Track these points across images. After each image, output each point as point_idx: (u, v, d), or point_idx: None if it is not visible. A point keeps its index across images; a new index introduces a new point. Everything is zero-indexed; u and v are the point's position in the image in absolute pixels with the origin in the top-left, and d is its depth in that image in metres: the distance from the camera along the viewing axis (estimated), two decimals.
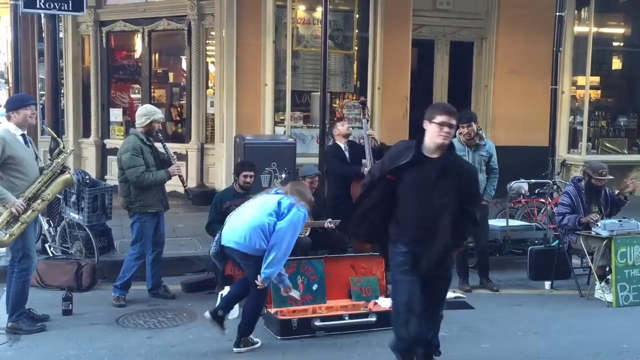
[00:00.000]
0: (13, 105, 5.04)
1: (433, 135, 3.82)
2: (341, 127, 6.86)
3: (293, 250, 6.17)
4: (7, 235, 4.86)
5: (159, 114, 5.88)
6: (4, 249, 5.94)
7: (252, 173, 6.20)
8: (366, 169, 6.56)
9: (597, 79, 11.32)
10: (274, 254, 4.55)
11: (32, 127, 5.35)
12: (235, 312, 5.46)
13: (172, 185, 6.15)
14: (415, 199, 3.81)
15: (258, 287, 4.65)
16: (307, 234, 6.33)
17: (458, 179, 3.86)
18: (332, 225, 6.25)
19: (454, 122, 3.86)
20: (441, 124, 3.79)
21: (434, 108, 3.90)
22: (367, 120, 6.82)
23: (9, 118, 5.01)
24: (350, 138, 7.03)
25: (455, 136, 6.45)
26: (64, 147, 5.34)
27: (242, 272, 6.12)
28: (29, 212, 4.89)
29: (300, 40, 9.52)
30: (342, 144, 6.81)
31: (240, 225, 4.68)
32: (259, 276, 4.60)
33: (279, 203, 4.67)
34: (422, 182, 3.79)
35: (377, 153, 6.72)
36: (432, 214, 3.78)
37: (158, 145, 5.90)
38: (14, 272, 5.02)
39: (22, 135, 5.01)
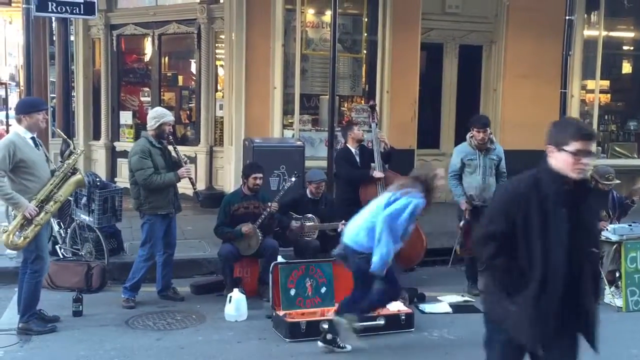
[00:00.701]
0: (26, 109, 5.06)
1: (565, 167, 2.82)
2: (357, 132, 6.83)
3: (302, 253, 6.25)
4: (22, 238, 4.91)
5: (169, 117, 5.92)
6: (15, 251, 5.98)
7: (261, 175, 6.23)
8: (375, 172, 6.58)
9: (606, 82, 11.28)
10: (375, 245, 4.63)
11: (42, 130, 5.36)
12: (244, 314, 5.49)
13: (181, 187, 6.19)
14: (558, 247, 2.85)
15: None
16: (315, 236, 6.34)
17: (589, 216, 3.01)
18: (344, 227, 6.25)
19: (592, 148, 2.86)
20: (576, 153, 2.80)
21: (564, 129, 2.87)
22: (377, 124, 6.82)
23: (19, 121, 5.04)
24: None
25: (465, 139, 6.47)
26: (74, 148, 5.38)
27: (252, 275, 6.20)
28: (42, 214, 4.94)
29: (309, 43, 9.55)
30: (353, 148, 6.81)
31: (356, 224, 4.86)
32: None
33: (387, 203, 4.71)
34: (561, 225, 2.86)
35: (386, 156, 6.73)
36: (574, 264, 2.90)
37: (170, 148, 5.94)
38: (27, 273, 5.06)
39: (32, 138, 5.05)
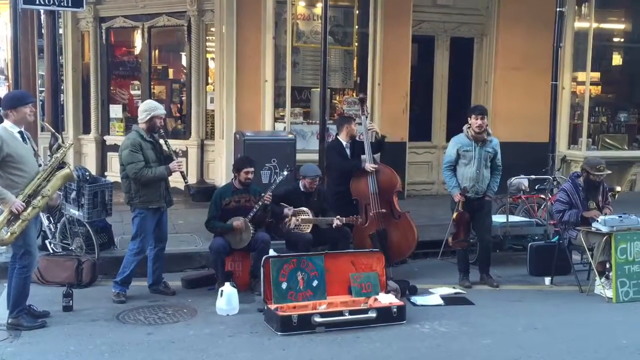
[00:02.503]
0: (12, 104, 4.98)
1: None
2: (353, 127, 6.81)
3: (294, 247, 6.24)
4: (9, 234, 4.84)
5: (160, 110, 5.87)
6: (2, 246, 5.93)
7: (252, 169, 6.20)
8: (366, 164, 6.57)
9: (597, 74, 11.31)
10: None
11: (31, 123, 5.30)
12: (235, 308, 5.48)
13: (173, 181, 6.16)
14: None
15: None
16: (309, 230, 6.33)
17: None
18: (340, 222, 6.24)
19: None
20: None
21: None
22: (367, 117, 6.81)
23: (6, 116, 4.95)
24: None
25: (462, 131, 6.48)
26: (63, 142, 5.31)
27: (244, 269, 6.18)
28: (30, 209, 4.88)
29: (300, 36, 9.51)
30: (344, 141, 6.81)
31: None
32: None
33: None
34: None
35: (377, 147, 6.71)
36: None
37: (161, 141, 5.91)
38: (15, 269, 5.02)
39: (20, 132, 4.98)
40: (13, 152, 4.84)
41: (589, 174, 6.38)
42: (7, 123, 4.94)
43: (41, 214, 6.34)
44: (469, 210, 6.30)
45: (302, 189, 6.48)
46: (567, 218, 6.38)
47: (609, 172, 6.51)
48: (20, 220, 4.84)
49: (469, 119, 6.39)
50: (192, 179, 9.52)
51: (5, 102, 5.09)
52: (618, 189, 6.69)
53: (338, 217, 6.24)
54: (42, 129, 9.23)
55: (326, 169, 7.00)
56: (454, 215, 6.29)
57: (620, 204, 6.90)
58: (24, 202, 4.85)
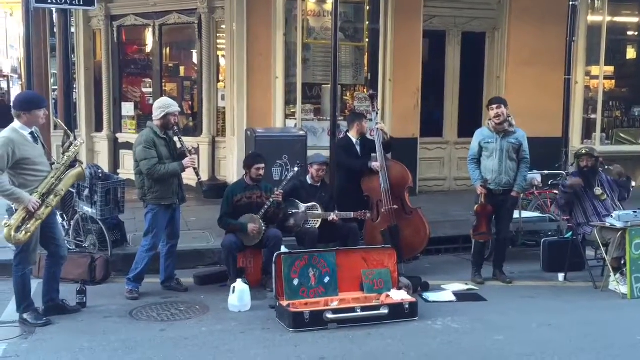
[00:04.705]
0: (26, 107, 4.95)
1: None
2: (364, 124, 6.80)
3: (301, 242, 6.25)
4: (23, 232, 4.87)
5: (174, 107, 5.90)
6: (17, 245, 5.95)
7: (263, 165, 6.22)
8: (375, 163, 6.55)
9: (611, 68, 11.21)
10: None
11: (41, 125, 5.26)
12: (247, 305, 5.49)
13: (185, 178, 6.18)
14: None
15: None
16: (317, 225, 6.33)
17: None
18: (336, 218, 6.25)
19: None
20: None
21: None
22: (377, 114, 6.78)
23: (18, 117, 4.93)
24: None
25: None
26: (74, 139, 5.33)
27: (255, 266, 6.20)
28: (43, 207, 4.90)
29: (310, 32, 9.49)
30: (354, 138, 6.79)
31: None
32: None
33: None
34: None
35: (386, 147, 6.69)
36: None
37: (175, 138, 5.93)
38: (13, 266, 5.10)
39: (31, 132, 4.98)
40: (25, 155, 4.85)
41: (578, 163, 6.54)
42: (17, 124, 4.93)
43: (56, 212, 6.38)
44: (493, 205, 6.26)
45: (309, 182, 6.48)
46: (560, 202, 6.52)
47: (595, 154, 6.50)
48: (34, 219, 4.87)
49: (488, 110, 6.40)
50: (204, 176, 9.52)
51: (20, 103, 5.03)
52: (633, 184, 6.64)
53: (332, 213, 6.27)
54: (55, 127, 9.29)
55: (336, 166, 6.99)
56: (476, 206, 6.26)
57: (634, 199, 6.83)
58: (39, 200, 4.88)
